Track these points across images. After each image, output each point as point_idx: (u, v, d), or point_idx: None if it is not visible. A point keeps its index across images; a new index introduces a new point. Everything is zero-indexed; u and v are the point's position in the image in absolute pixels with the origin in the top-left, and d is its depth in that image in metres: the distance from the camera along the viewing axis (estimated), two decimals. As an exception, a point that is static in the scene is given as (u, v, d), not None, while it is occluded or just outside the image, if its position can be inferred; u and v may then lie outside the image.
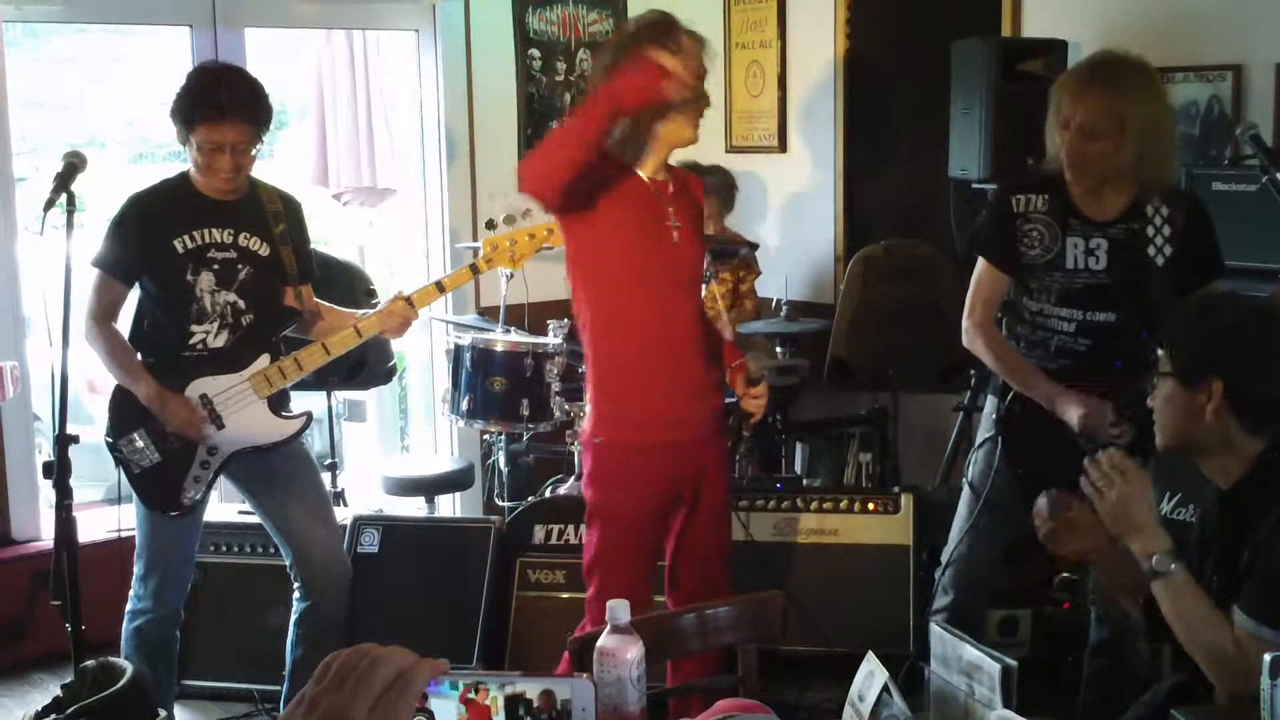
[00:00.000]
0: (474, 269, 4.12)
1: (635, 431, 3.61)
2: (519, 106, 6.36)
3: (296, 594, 4.15)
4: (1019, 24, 5.28)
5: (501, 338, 5.05)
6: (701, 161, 5.74)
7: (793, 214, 6.31)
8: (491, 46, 6.24)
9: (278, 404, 4.02)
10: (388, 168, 6.93)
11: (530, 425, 5.02)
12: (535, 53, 6.37)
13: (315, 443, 6.97)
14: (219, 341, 3.91)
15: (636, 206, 3.57)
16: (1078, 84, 3.52)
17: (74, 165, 3.53)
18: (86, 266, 3.83)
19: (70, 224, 3.46)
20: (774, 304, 5.58)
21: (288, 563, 4.14)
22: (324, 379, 5.43)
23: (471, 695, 1.86)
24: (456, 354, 5.04)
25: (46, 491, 5.00)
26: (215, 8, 5.59)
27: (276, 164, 8.53)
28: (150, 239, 3.83)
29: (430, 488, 5.70)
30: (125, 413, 3.91)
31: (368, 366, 5.44)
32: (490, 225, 4.14)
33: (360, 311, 4.18)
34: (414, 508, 5.73)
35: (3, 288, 5.16)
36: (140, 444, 3.89)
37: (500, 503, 5.48)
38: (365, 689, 1.34)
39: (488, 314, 5.88)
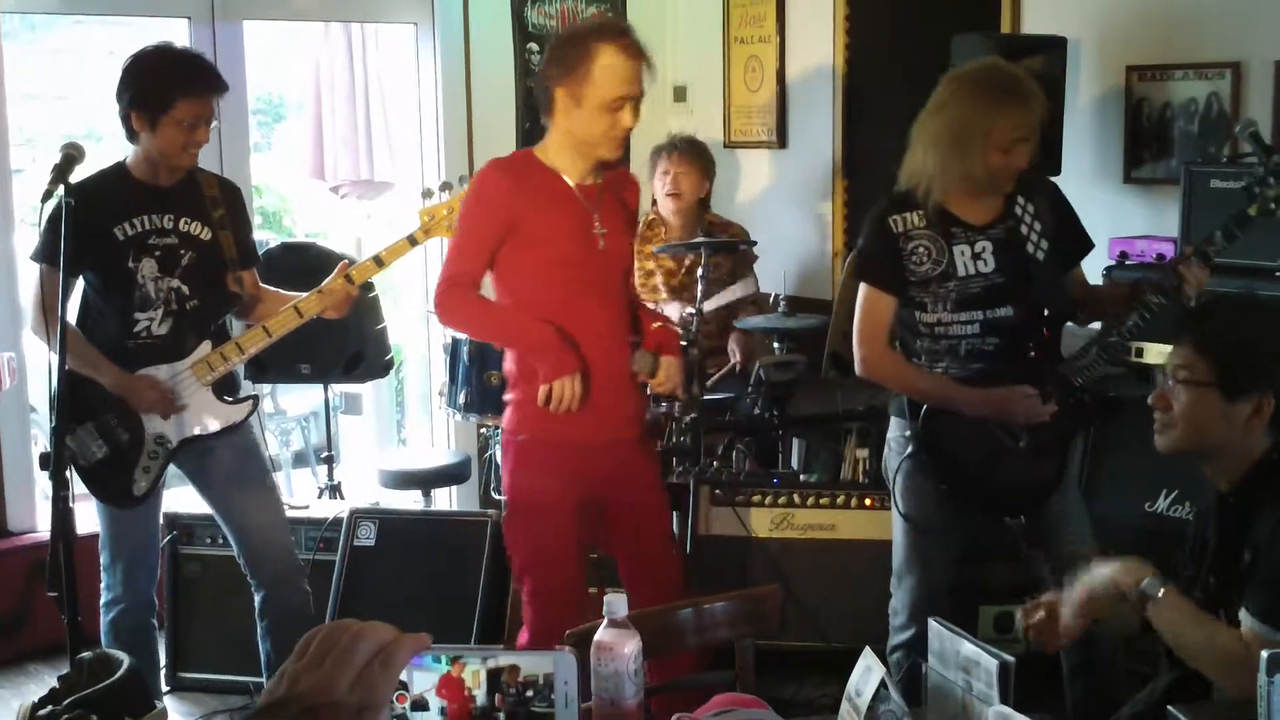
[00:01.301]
0: (412, 240, 4.06)
1: (558, 430, 3.61)
2: (517, 100, 6.35)
3: (252, 586, 4.16)
4: (1019, 20, 5.27)
5: (499, 331, 5.03)
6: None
7: (791, 209, 6.30)
8: (490, 40, 6.24)
9: (224, 390, 4.02)
10: (385, 161, 6.93)
11: (527, 419, 5.01)
12: (534, 46, 6.36)
13: (312, 435, 6.98)
14: (163, 329, 3.90)
15: (562, 215, 3.60)
16: (1017, 104, 3.54)
17: (71, 157, 3.52)
18: (28, 261, 3.82)
19: (67, 216, 3.46)
20: (771, 299, 5.57)
21: (236, 553, 4.15)
22: (322, 372, 5.43)
23: (439, 667, 1.85)
24: (453, 348, 5.04)
25: (43, 483, 5.01)
26: (214, 0, 5.59)
27: (274, 156, 8.53)
28: (90, 228, 3.76)
29: (427, 481, 5.70)
30: (72, 407, 3.89)
31: (365, 360, 5.44)
32: (427, 194, 4.08)
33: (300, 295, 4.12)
34: (410, 501, 5.73)
35: (1, 279, 5.16)
36: (84, 438, 3.87)
37: (496, 496, 5.47)
38: (347, 664, 1.33)
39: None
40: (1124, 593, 2.61)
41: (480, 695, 1.86)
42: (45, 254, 3.82)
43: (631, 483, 3.76)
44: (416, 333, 6.56)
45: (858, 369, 3.76)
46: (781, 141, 6.31)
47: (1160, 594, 2.56)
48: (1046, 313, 3.73)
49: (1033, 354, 3.64)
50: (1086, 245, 3.82)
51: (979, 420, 3.60)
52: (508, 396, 3.75)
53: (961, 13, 5.44)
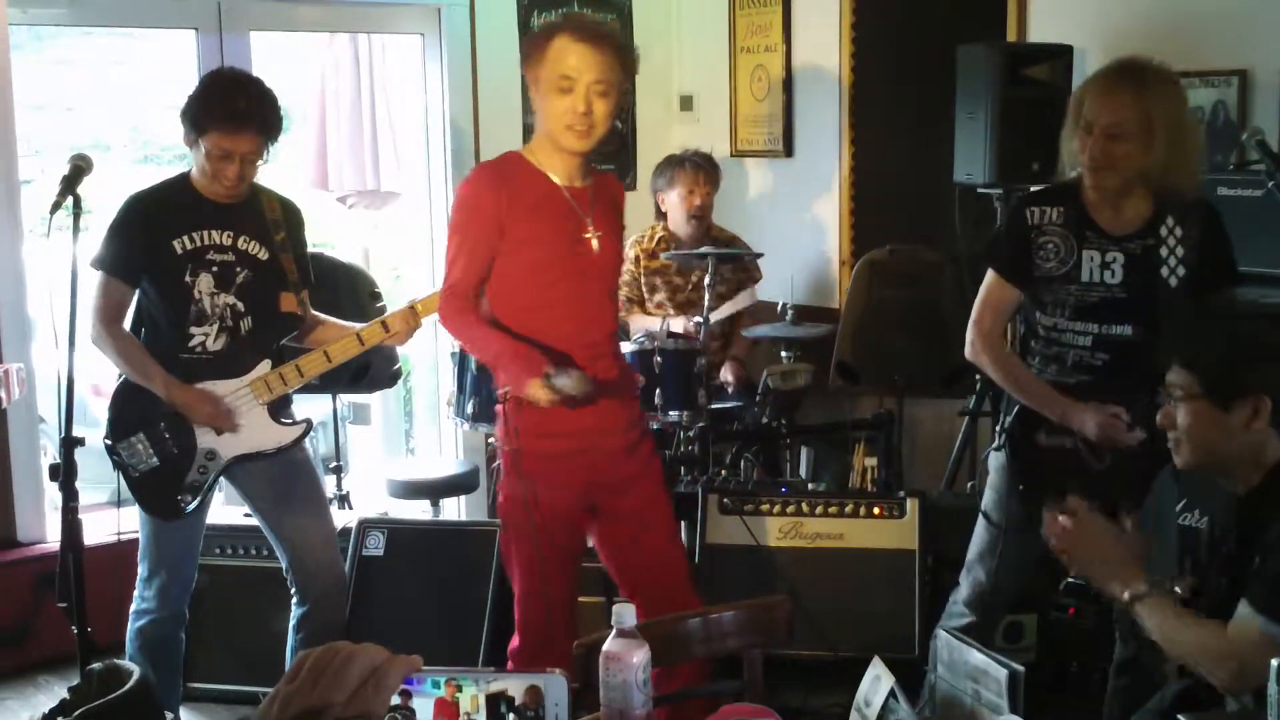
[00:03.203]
0: None
1: (549, 439, 3.58)
2: (524, 110, 6.34)
3: (294, 599, 4.15)
4: (1024, 29, 5.28)
5: (506, 341, 5.03)
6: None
7: (797, 218, 6.31)
8: (496, 49, 6.25)
9: (278, 410, 4.02)
10: (392, 171, 6.94)
11: (535, 429, 5.02)
12: (540, 56, 6.36)
13: (320, 445, 6.98)
14: (218, 344, 3.90)
15: (553, 219, 3.56)
16: (1103, 85, 3.48)
17: (80, 168, 3.54)
18: (89, 269, 3.83)
19: (76, 227, 3.47)
20: (779, 308, 5.57)
21: (284, 566, 4.14)
22: (329, 382, 5.43)
23: (438, 692, 1.85)
24: (461, 358, 5.03)
25: (52, 494, 5.02)
26: (220, 11, 5.61)
27: (277, 167, 8.55)
28: (150, 239, 3.82)
29: (435, 491, 5.70)
30: (126, 415, 3.91)
31: (372, 370, 5.44)
32: None
33: (360, 326, 4.14)
34: (419, 511, 5.74)
35: (8, 290, 5.17)
36: (139, 447, 3.89)
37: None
38: (339, 686, 1.34)
39: (492, 317, 5.88)
40: (1114, 594, 2.65)
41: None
42: (108, 263, 3.84)
43: (625, 489, 3.70)
44: (424, 343, 6.56)
45: (966, 351, 3.74)
46: (788, 150, 6.31)
47: (1144, 597, 2.60)
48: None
49: (1138, 377, 3.53)
50: (1226, 280, 3.66)
51: (1066, 431, 3.58)
52: (496, 408, 3.72)
53: (967, 22, 5.45)
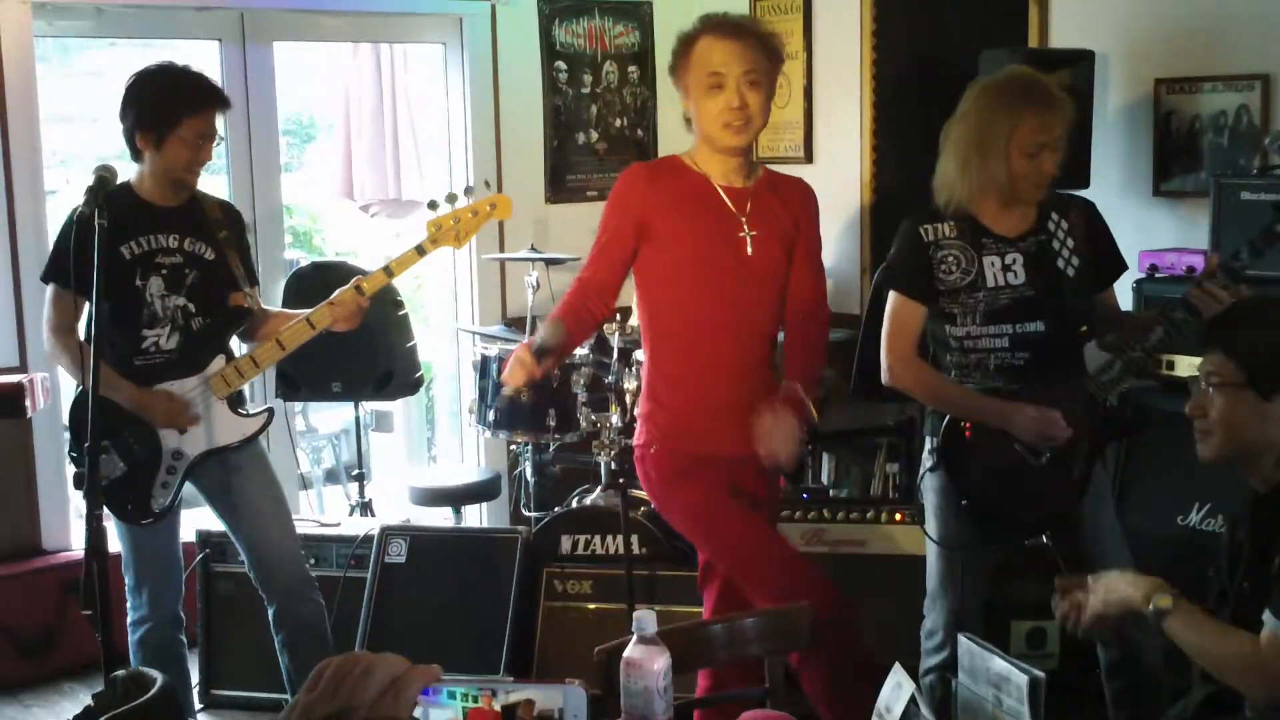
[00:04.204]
0: (420, 250, 4.05)
1: (689, 443, 3.55)
2: (545, 119, 6.38)
3: (265, 600, 4.18)
4: (1046, 35, 5.27)
5: (528, 349, 5.05)
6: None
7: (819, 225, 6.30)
8: (518, 59, 6.27)
9: (236, 403, 4.06)
10: (414, 180, 6.96)
11: (557, 436, 5.03)
12: (562, 65, 6.39)
13: (343, 453, 7.02)
14: (171, 344, 3.93)
15: (700, 216, 3.51)
16: (1039, 102, 3.53)
17: (104, 179, 3.56)
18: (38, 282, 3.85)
19: (101, 237, 3.49)
20: (800, 315, 5.57)
21: (246, 566, 4.17)
22: (353, 389, 5.46)
23: (473, 704, 1.84)
24: (483, 365, 5.06)
25: (76, 502, 5.05)
26: (244, 22, 5.65)
27: (303, 176, 8.59)
28: (89, 249, 3.79)
29: (457, 498, 5.71)
30: (85, 428, 3.92)
31: (395, 377, 5.47)
32: (433, 205, 4.07)
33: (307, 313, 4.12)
34: (441, 518, 5.75)
35: (33, 300, 5.18)
36: (104, 456, 3.88)
37: (527, 513, 5.49)
38: (359, 696, 1.34)
39: (514, 325, 5.91)
40: (1137, 609, 2.61)
41: None
42: (54, 274, 3.88)
43: (752, 500, 3.62)
44: (446, 350, 6.58)
45: (884, 377, 3.74)
46: (809, 157, 6.31)
47: (1170, 608, 2.56)
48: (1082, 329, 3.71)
49: (1060, 370, 3.61)
50: (1119, 266, 3.79)
51: (1000, 435, 3.58)
52: (638, 410, 3.69)
53: (989, 28, 5.45)
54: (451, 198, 4.06)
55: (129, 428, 3.92)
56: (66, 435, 5.59)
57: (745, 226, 3.53)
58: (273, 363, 4.06)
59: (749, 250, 3.53)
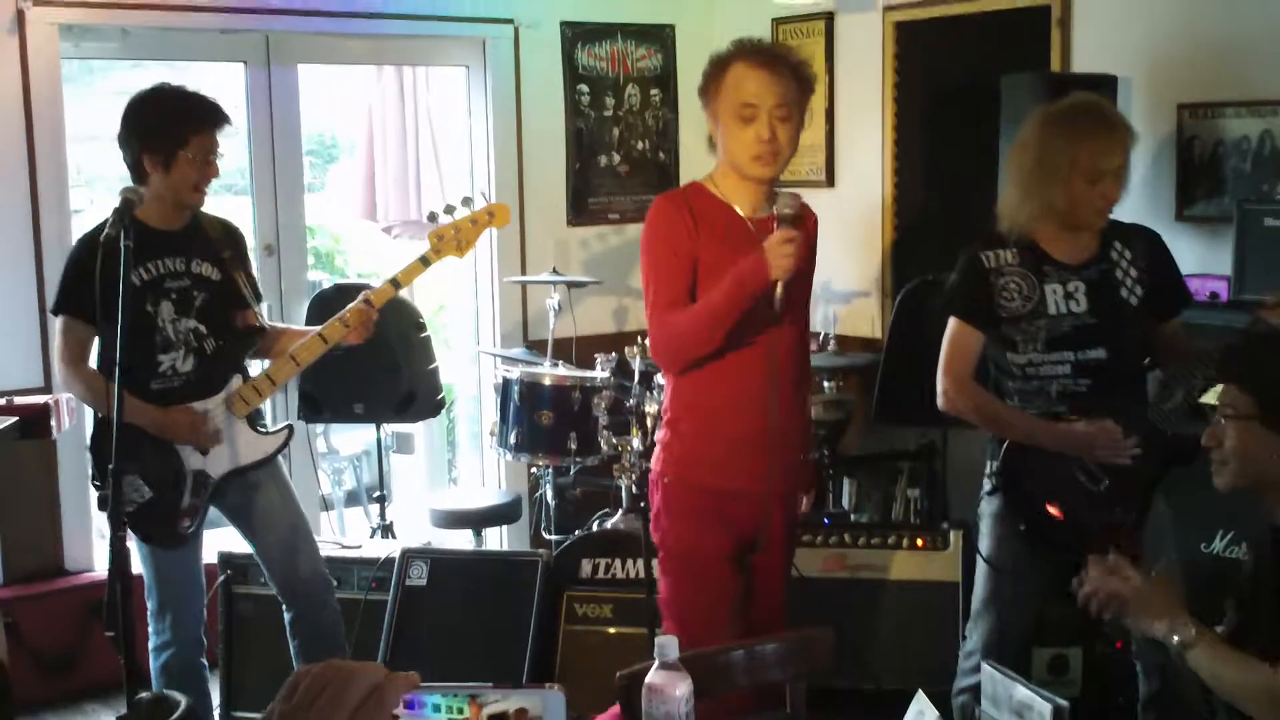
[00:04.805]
0: (424, 260, 4.11)
1: (705, 475, 3.51)
2: (568, 141, 6.40)
3: (282, 606, 4.20)
4: (1068, 59, 5.27)
5: (549, 371, 5.07)
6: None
7: (840, 248, 6.30)
8: (541, 82, 6.30)
9: (255, 421, 4.08)
10: (436, 202, 6.98)
11: (578, 459, 5.03)
12: (584, 88, 6.41)
13: (364, 474, 7.03)
14: (187, 366, 3.95)
15: (732, 247, 3.40)
16: (1096, 131, 3.53)
17: (130, 201, 3.60)
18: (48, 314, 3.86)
19: (126, 258, 3.51)
20: (821, 338, 5.58)
21: (266, 576, 4.19)
22: (374, 411, 5.47)
23: (459, 715, 1.82)
24: (504, 387, 5.07)
25: (99, 522, 5.07)
26: (269, 45, 5.69)
27: (327, 197, 8.62)
28: (106, 276, 3.74)
29: (478, 521, 5.72)
30: (109, 454, 3.92)
31: (417, 399, 5.48)
32: (432, 218, 4.11)
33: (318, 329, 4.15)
34: (461, 541, 5.75)
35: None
36: (129, 483, 3.86)
37: (547, 536, 5.49)
38: (339, 705, 1.31)
39: (536, 348, 5.91)
40: (1161, 640, 2.60)
41: None
42: (66, 305, 3.88)
43: (766, 535, 3.58)
44: (467, 373, 6.60)
45: (940, 402, 3.75)
46: (830, 180, 6.32)
47: (1193, 641, 2.55)
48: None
49: (1122, 397, 3.60)
50: (1183, 297, 3.77)
51: (1061, 461, 3.58)
52: (658, 436, 3.66)
53: (1011, 52, 5.45)
54: (450, 209, 4.10)
55: (150, 451, 3.92)
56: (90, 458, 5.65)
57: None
58: (289, 379, 4.08)
59: (777, 291, 3.38)
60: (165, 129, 3.86)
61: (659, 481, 3.60)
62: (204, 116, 3.89)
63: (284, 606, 4.20)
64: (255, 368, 4.25)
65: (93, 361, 3.96)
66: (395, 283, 4.07)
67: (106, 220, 3.89)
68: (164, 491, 3.94)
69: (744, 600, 3.65)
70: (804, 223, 3.46)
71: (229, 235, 4.14)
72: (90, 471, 3.99)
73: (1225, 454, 2.73)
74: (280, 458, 4.18)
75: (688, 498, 3.53)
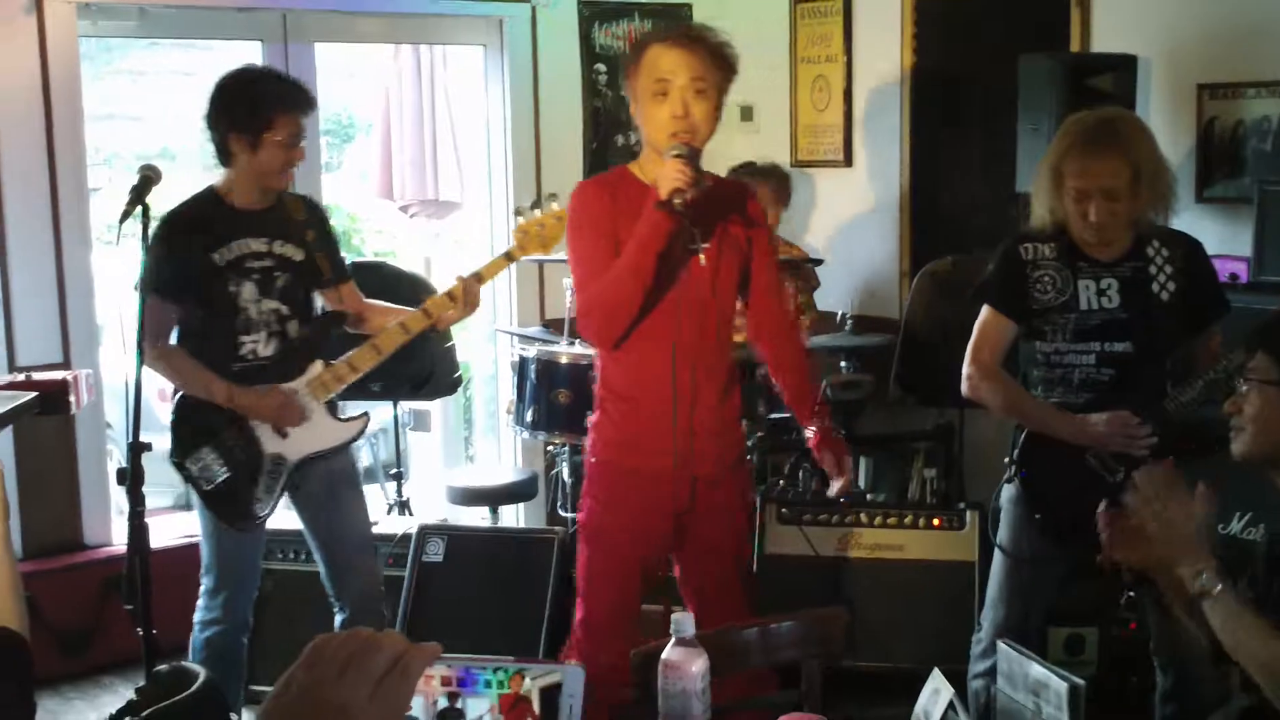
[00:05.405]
0: (509, 256, 4.09)
1: (630, 456, 3.52)
2: (585, 120, 6.39)
3: (334, 605, 4.19)
4: (1088, 40, 5.25)
5: (566, 350, 5.06)
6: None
7: (858, 228, 6.30)
8: (558, 61, 6.29)
9: (332, 408, 4.06)
10: (453, 181, 6.99)
11: (594, 437, 5.04)
12: (601, 67, 6.40)
13: (381, 451, 7.04)
14: (269, 350, 3.93)
15: None
16: (1086, 150, 3.51)
17: (149, 178, 3.57)
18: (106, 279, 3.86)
19: (145, 235, 3.52)
20: (838, 318, 5.57)
21: (321, 571, 4.18)
22: (391, 389, 5.48)
23: (504, 690, 1.83)
24: (521, 366, 5.07)
25: (117, 498, 5.09)
26: (286, 23, 5.68)
27: (343, 176, 8.64)
28: (191, 255, 3.83)
29: (494, 498, 5.73)
30: (189, 430, 3.93)
31: (434, 377, 5.49)
32: (519, 211, 4.11)
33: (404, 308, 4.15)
34: (478, 518, 5.77)
35: (77, 297, 5.25)
36: (208, 460, 3.91)
37: (563, 514, 5.50)
38: (365, 675, 1.29)
39: (552, 326, 5.92)
40: (1181, 579, 2.56)
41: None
42: (152, 284, 3.80)
43: (704, 520, 3.58)
44: (484, 351, 6.61)
45: (964, 388, 3.76)
46: (848, 161, 6.31)
47: (1217, 590, 2.52)
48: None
49: (1142, 391, 3.60)
50: (1218, 305, 3.72)
51: (1077, 452, 3.60)
52: (590, 419, 3.67)
53: (1030, 32, 5.43)
54: (535, 204, 4.10)
55: (230, 430, 3.92)
56: (109, 432, 5.68)
57: (696, 239, 3.37)
58: (371, 367, 4.03)
59: (701, 262, 3.39)
60: (253, 111, 3.81)
61: (588, 461, 3.62)
62: (291, 100, 3.86)
63: (334, 606, 4.18)
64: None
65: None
66: (479, 276, 4.03)
67: (189, 198, 3.95)
68: (241, 472, 3.93)
69: (697, 580, 3.66)
70: (698, 162, 3.40)
71: (313, 214, 4.10)
72: (170, 448, 3.94)
73: (1245, 420, 2.72)
74: (353, 450, 4.17)
75: (612, 478, 3.55)
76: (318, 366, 3.99)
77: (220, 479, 3.92)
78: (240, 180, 3.90)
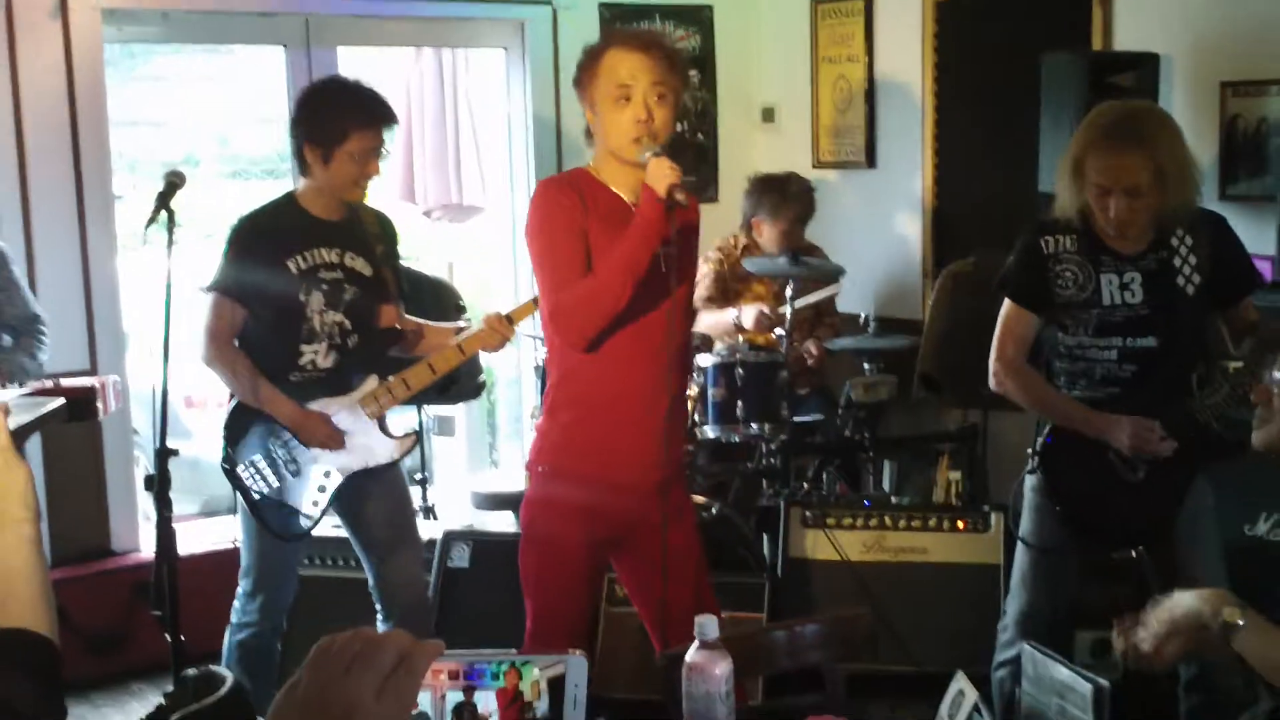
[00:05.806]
0: (536, 302, 4.09)
1: (576, 465, 3.49)
2: (606, 123, 6.39)
3: (379, 614, 4.19)
4: (1110, 38, 5.23)
5: (589, 353, 5.06)
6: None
7: (880, 229, 6.29)
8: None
9: (383, 424, 4.06)
10: (474, 185, 7.00)
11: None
12: (622, 70, 6.40)
13: (406, 457, 7.05)
14: (328, 362, 3.93)
15: (617, 229, 3.34)
16: (1108, 148, 3.48)
17: (174, 184, 3.60)
18: (199, 290, 3.87)
19: (171, 241, 3.54)
20: (861, 319, 5.56)
21: (370, 581, 4.19)
22: (416, 394, 5.49)
23: (498, 684, 1.84)
24: (544, 370, 5.07)
25: (145, 504, 5.11)
26: (309, 27, 5.71)
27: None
28: (267, 260, 3.85)
29: (519, 503, 5.71)
30: (241, 438, 3.95)
31: (458, 382, 5.49)
32: None
33: (457, 325, 4.18)
34: (503, 523, 5.77)
35: (103, 303, 5.28)
36: (258, 469, 3.93)
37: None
38: (371, 673, 1.29)
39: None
40: (1205, 624, 2.55)
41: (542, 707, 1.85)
42: (225, 285, 3.85)
43: (652, 528, 3.49)
44: (508, 355, 6.61)
45: (990, 382, 3.77)
46: (870, 161, 6.30)
47: (1242, 622, 2.51)
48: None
49: (1166, 386, 3.58)
50: (1247, 283, 3.70)
51: (1100, 446, 3.59)
52: (536, 424, 3.66)
53: (1052, 30, 5.41)
54: None
55: (282, 441, 3.94)
56: (136, 438, 5.70)
57: (672, 237, 3.35)
58: (424, 386, 4.03)
59: (663, 268, 3.35)
60: (328, 123, 3.81)
61: (533, 469, 3.59)
62: (366, 114, 3.83)
63: (380, 615, 4.18)
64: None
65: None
66: (536, 301, 3.99)
67: (268, 203, 3.98)
68: (290, 483, 3.95)
69: (648, 588, 3.59)
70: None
71: (384, 230, 4.11)
72: (222, 453, 3.95)
73: (1272, 411, 2.70)
74: (402, 466, 4.18)
75: (560, 488, 3.51)
76: (372, 381, 3.99)
77: (268, 488, 3.94)
78: (316, 190, 3.91)
